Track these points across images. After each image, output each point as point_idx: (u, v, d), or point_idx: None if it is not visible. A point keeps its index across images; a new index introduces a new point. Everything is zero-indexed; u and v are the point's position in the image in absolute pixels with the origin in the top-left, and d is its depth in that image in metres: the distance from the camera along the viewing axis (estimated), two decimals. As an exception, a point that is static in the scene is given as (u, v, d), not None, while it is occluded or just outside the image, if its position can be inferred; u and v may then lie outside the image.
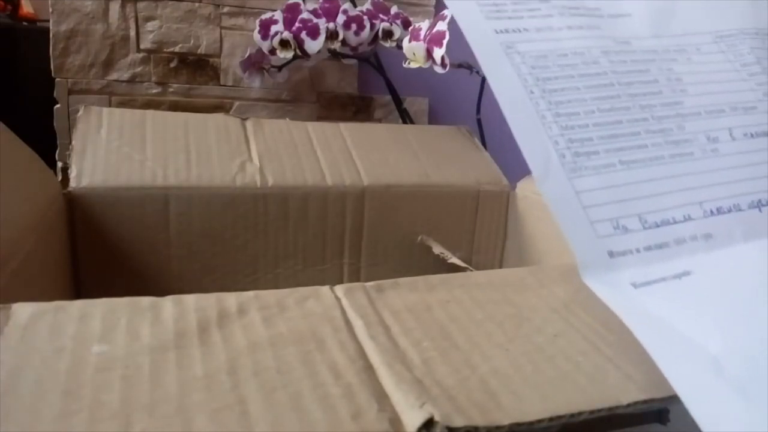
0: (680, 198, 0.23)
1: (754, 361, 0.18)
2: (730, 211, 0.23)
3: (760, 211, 0.23)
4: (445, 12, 0.46)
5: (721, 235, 0.23)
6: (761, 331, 0.19)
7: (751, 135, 0.25)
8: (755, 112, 0.26)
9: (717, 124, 0.25)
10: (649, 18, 0.28)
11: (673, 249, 0.22)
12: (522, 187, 0.48)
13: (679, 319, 0.19)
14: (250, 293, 0.22)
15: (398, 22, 0.59)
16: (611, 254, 0.21)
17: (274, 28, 0.58)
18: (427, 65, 0.48)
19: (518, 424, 0.17)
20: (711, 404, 0.17)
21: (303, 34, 0.57)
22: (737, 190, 0.24)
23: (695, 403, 0.17)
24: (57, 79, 0.61)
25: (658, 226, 0.22)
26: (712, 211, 0.23)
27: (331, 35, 0.58)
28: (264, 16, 0.58)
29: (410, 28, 0.51)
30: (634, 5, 0.28)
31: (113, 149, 0.40)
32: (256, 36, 0.59)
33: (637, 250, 0.21)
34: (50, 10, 0.59)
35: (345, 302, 0.22)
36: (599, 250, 0.21)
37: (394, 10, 0.60)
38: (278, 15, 0.58)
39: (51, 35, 0.60)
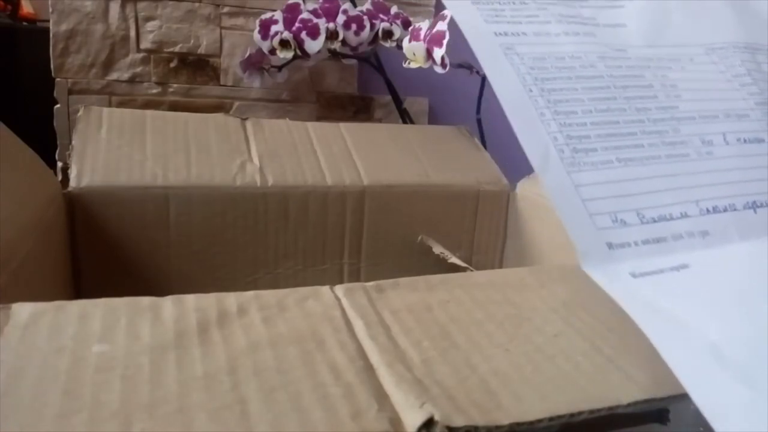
0: (676, 196, 0.23)
1: (753, 347, 0.19)
2: (725, 210, 0.23)
3: (755, 212, 0.24)
4: (445, 12, 0.46)
5: (717, 232, 0.23)
6: (760, 319, 0.20)
7: (744, 140, 0.26)
8: (747, 119, 0.26)
9: (711, 128, 0.26)
10: (643, 29, 0.29)
11: (670, 244, 0.22)
12: (522, 187, 0.48)
13: (678, 308, 0.20)
14: (250, 293, 0.22)
15: (398, 22, 0.59)
16: (610, 246, 0.21)
17: (274, 28, 0.58)
18: (427, 65, 0.48)
19: (518, 424, 0.17)
20: (713, 391, 0.17)
21: (303, 34, 0.57)
22: (732, 191, 0.24)
23: (697, 390, 0.17)
24: (57, 79, 0.61)
25: (655, 221, 0.22)
26: (708, 210, 0.23)
27: (331, 35, 0.58)
28: (264, 16, 0.58)
29: (410, 28, 0.51)
30: (629, 16, 0.29)
31: (113, 149, 0.40)
32: (256, 36, 0.59)
33: (636, 243, 0.22)
34: (50, 10, 0.59)
35: (345, 302, 0.22)
36: (598, 241, 0.21)
37: (394, 10, 0.60)
38: (278, 15, 0.58)
39: (51, 35, 0.60)
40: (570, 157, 0.23)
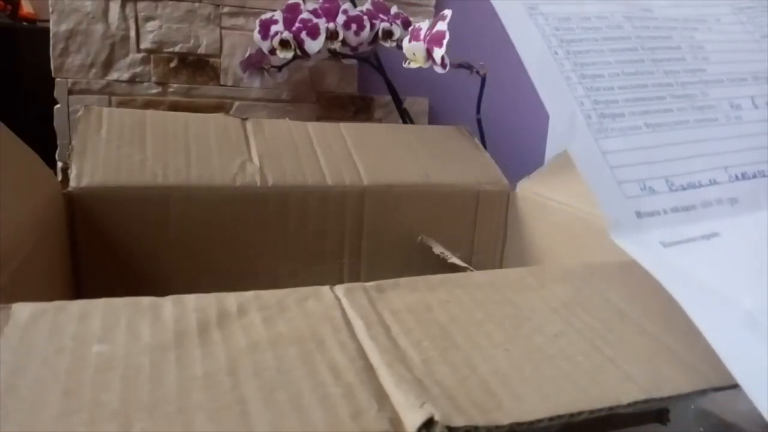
0: (705, 162, 0.23)
1: None
2: (754, 176, 0.23)
3: None
4: (445, 12, 0.46)
5: (746, 199, 0.23)
6: None
7: None
8: None
9: (740, 92, 0.25)
10: None
11: (699, 211, 0.22)
12: (522, 187, 0.48)
13: (711, 277, 0.20)
14: (250, 293, 0.22)
15: (398, 22, 0.59)
16: (639, 215, 0.21)
17: (274, 28, 0.58)
18: (427, 65, 0.48)
19: (518, 424, 0.17)
20: (749, 361, 0.17)
21: (303, 34, 0.57)
22: (761, 157, 0.24)
23: (733, 360, 0.17)
24: (57, 79, 0.61)
25: (684, 189, 0.22)
26: (737, 176, 0.23)
27: (331, 35, 0.58)
28: (264, 16, 0.58)
29: (410, 28, 0.51)
30: None
31: (113, 149, 0.40)
32: (256, 36, 0.59)
33: (665, 212, 0.22)
34: (50, 10, 0.59)
35: (345, 302, 0.22)
36: (627, 210, 0.21)
37: (394, 10, 0.60)
38: (278, 15, 0.58)
39: (51, 35, 0.60)
40: (597, 122, 0.22)
